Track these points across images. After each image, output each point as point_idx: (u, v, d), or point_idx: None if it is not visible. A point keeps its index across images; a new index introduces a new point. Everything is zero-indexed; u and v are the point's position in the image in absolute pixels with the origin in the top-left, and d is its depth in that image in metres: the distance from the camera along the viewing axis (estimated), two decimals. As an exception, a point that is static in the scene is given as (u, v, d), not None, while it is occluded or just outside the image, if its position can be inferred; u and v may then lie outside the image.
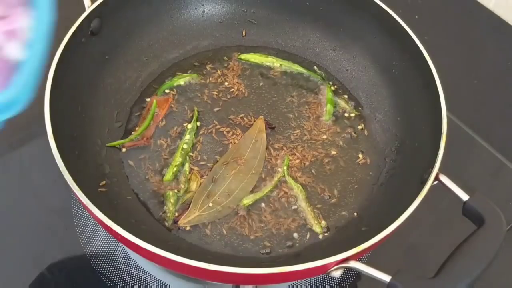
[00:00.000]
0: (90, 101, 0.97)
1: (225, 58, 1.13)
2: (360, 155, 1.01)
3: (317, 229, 0.90)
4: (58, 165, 0.75)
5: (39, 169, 1.03)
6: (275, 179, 0.95)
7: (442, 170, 0.80)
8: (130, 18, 1.06)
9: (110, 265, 0.94)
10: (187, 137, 0.98)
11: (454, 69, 1.28)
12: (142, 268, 0.94)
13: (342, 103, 1.08)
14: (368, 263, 0.69)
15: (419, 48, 0.95)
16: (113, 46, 1.04)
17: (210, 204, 0.90)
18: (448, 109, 0.87)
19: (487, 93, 1.27)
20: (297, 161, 0.98)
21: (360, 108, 1.08)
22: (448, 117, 0.86)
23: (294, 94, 1.09)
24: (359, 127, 1.05)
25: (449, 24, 1.40)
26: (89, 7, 0.95)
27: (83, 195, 0.72)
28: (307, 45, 1.16)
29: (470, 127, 1.18)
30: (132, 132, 0.99)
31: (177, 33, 1.14)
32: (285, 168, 0.96)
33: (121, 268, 0.93)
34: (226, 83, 1.09)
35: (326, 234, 0.90)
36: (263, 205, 0.92)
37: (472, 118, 1.19)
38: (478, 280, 0.68)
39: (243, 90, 1.08)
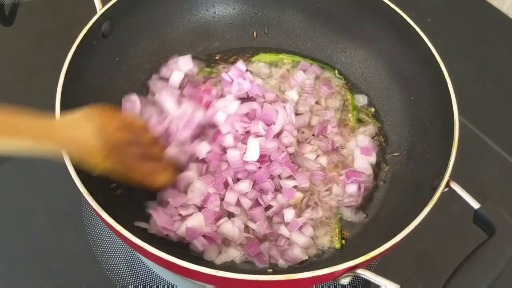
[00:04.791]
0: (101, 103, 0.97)
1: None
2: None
3: (337, 245, 0.90)
4: (68, 168, 0.75)
5: (50, 172, 1.03)
6: None
7: (453, 176, 0.79)
8: (141, 20, 1.06)
9: (119, 266, 0.94)
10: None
11: (466, 72, 1.26)
12: (150, 269, 0.94)
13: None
14: (377, 271, 0.69)
15: (431, 51, 0.94)
16: (124, 48, 1.04)
17: None
18: (460, 113, 0.86)
19: (500, 97, 1.25)
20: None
21: (371, 112, 1.08)
22: (460, 121, 0.85)
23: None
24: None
25: (461, 27, 1.38)
26: (100, 10, 0.95)
27: (92, 200, 0.73)
28: (319, 46, 1.16)
29: (482, 132, 1.16)
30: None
31: (187, 34, 1.14)
32: None
33: (129, 269, 0.94)
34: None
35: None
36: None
37: (484, 122, 1.18)
38: (488, 291, 0.67)
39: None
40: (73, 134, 0.73)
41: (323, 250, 0.89)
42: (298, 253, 0.85)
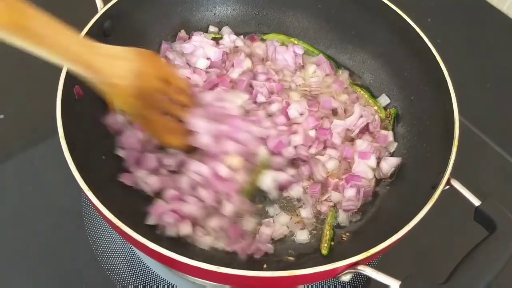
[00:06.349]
0: (102, 101, 0.97)
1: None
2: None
3: (324, 251, 0.89)
4: (69, 165, 0.75)
5: (50, 169, 1.04)
6: None
7: (453, 174, 0.79)
8: (142, 19, 1.06)
9: (119, 266, 0.94)
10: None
11: (466, 72, 1.27)
12: (150, 269, 0.94)
13: None
14: (378, 268, 0.69)
15: (432, 51, 0.94)
16: (125, 46, 1.04)
17: None
18: (460, 112, 0.86)
19: (500, 97, 1.25)
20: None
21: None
22: (460, 120, 0.85)
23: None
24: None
25: (461, 27, 1.39)
26: (101, 9, 0.95)
27: (92, 195, 0.73)
28: (319, 47, 1.16)
29: (482, 131, 1.17)
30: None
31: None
32: None
33: (129, 269, 0.94)
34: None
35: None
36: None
37: (484, 121, 1.18)
38: (490, 287, 0.67)
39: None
40: (111, 66, 0.69)
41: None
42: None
